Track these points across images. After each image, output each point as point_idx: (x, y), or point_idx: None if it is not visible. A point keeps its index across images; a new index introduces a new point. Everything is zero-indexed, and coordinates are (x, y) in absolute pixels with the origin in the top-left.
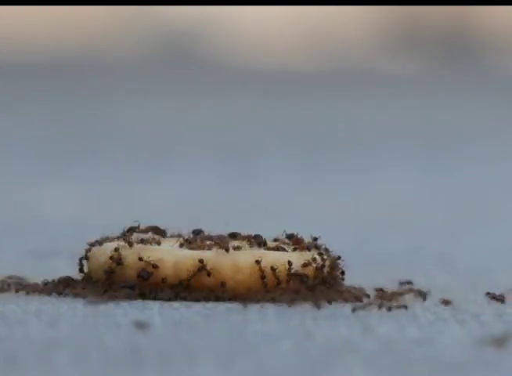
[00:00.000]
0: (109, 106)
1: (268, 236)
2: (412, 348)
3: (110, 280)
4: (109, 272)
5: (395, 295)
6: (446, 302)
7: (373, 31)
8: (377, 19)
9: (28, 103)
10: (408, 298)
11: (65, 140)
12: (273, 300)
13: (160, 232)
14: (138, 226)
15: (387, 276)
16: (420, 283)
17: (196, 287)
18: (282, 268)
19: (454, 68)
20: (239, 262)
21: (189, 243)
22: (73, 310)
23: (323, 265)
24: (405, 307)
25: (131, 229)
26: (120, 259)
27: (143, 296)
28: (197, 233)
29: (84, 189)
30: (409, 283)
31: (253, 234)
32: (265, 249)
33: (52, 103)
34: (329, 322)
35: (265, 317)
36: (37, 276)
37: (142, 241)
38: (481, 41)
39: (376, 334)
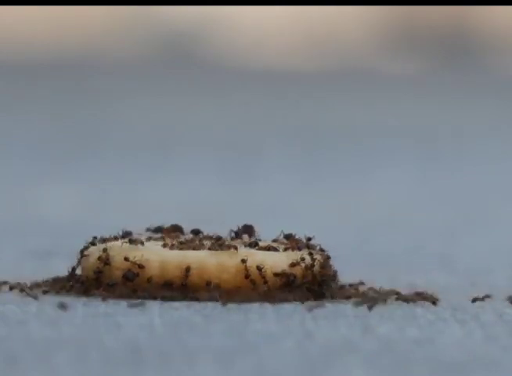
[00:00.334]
0: (109, 106)
1: (268, 236)
2: (412, 348)
3: (99, 281)
4: (98, 273)
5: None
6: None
7: (373, 31)
8: (377, 19)
9: (28, 103)
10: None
11: (65, 140)
12: (258, 299)
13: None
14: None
15: (388, 276)
16: (420, 284)
17: (182, 286)
18: (268, 267)
19: (454, 68)
20: (224, 261)
21: (181, 243)
22: (73, 310)
23: (313, 265)
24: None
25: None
26: (107, 259)
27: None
28: (196, 232)
29: (84, 189)
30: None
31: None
32: (256, 249)
33: (52, 103)
34: (329, 322)
35: (265, 317)
36: (37, 277)
37: (130, 241)
38: (481, 41)
39: (376, 334)
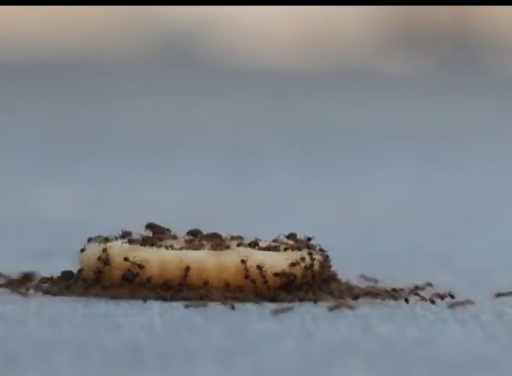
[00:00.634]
0: (109, 106)
1: (267, 236)
2: (412, 348)
3: (99, 281)
4: (98, 272)
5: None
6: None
7: (373, 31)
8: (377, 19)
9: (28, 103)
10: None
11: (65, 140)
12: (259, 299)
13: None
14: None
15: (387, 276)
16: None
17: (182, 286)
18: (268, 267)
19: (454, 68)
20: (224, 261)
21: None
22: (73, 310)
23: (312, 265)
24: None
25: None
26: (107, 260)
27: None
28: (194, 233)
29: (84, 189)
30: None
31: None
32: (256, 249)
33: (52, 103)
34: (329, 322)
35: (265, 317)
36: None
37: (130, 241)
38: (481, 41)
39: (376, 334)
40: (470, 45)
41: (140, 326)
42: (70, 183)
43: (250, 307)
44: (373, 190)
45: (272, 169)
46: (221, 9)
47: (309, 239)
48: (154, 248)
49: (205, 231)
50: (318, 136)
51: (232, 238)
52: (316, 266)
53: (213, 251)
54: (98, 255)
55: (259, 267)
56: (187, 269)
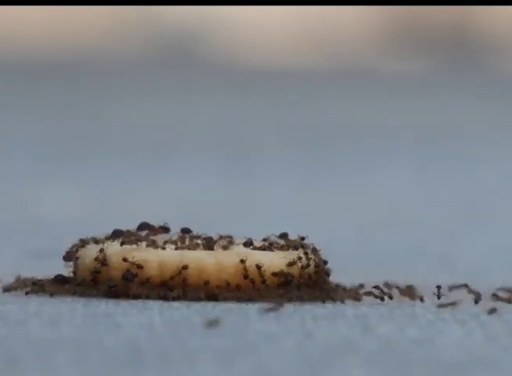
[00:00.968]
0: (109, 106)
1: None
2: (412, 348)
3: (96, 281)
4: (95, 273)
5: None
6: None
7: (373, 31)
8: (377, 19)
9: (28, 103)
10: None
11: (65, 140)
12: (258, 299)
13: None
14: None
15: (387, 276)
16: (420, 284)
17: (180, 286)
18: (266, 267)
19: (454, 68)
20: (223, 261)
21: (177, 242)
22: (73, 310)
23: (308, 265)
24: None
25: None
26: (105, 260)
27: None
28: (186, 231)
29: (84, 189)
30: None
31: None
32: (251, 249)
33: (52, 103)
34: (329, 322)
35: (265, 317)
36: (37, 276)
37: (127, 242)
38: (481, 41)
39: (376, 334)
40: (470, 45)
41: (140, 326)
42: (70, 183)
43: (250, 307)
44: (373, 190)
45: (271, 169)
46: (221, 9)
47: (302, 238)
48: (152, 249)
49: (201, 231)
50: (318, 136)
51: (222, 237)
52: (312, 266)
53: (211, 251)
54: (95, 256)
55: (258, 267)
56: (184, 267)
